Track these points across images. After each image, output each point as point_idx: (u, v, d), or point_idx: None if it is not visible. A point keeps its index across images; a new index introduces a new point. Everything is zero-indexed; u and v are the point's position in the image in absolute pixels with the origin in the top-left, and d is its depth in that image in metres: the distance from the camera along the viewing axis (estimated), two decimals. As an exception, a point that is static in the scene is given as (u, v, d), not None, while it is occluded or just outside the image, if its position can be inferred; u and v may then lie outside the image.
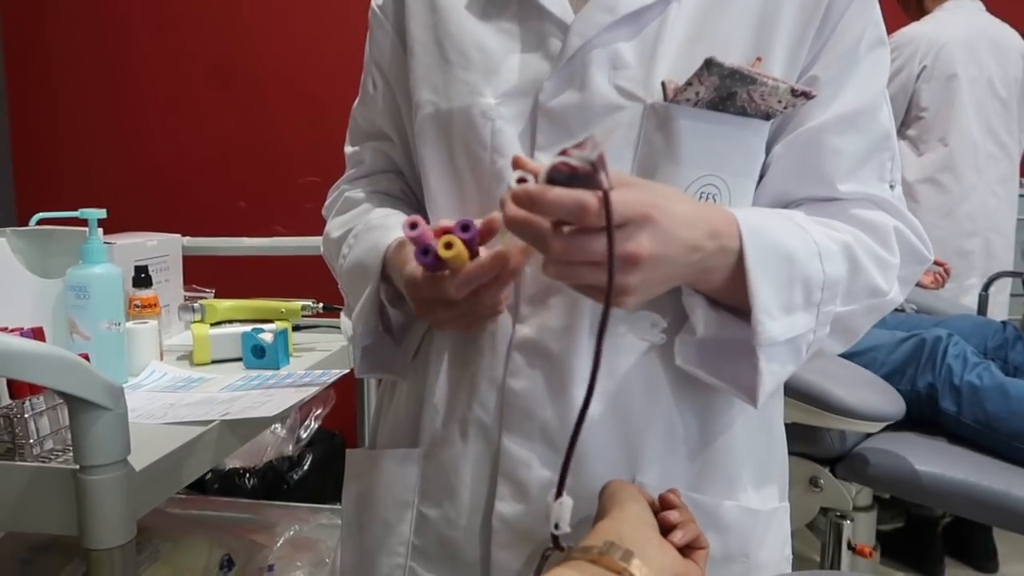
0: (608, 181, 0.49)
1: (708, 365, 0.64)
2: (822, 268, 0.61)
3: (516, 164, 0.55)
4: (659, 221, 0.52)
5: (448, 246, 0.56)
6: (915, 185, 2.42)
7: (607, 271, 0.50)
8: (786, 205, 0.68)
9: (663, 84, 0.62)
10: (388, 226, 0.74)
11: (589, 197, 0.49)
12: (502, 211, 0.53)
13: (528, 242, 0.53)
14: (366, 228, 0.76)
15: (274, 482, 2.02)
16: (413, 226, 0.57)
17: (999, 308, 2.39)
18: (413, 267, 0.62)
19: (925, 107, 2.41)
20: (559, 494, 0.53)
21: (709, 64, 0.57)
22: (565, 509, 0.52)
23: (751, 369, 0.60)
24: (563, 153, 0.50)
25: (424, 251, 0.58)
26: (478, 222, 0.58)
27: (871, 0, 0.68)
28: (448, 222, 0.59)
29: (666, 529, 0.55)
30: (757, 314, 0.58)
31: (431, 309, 0.64)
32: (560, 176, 0.50)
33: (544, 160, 0.65)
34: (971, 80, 2.37)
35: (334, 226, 0.82)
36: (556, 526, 0.53)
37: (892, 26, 0.71)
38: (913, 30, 2.45)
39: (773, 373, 0.61)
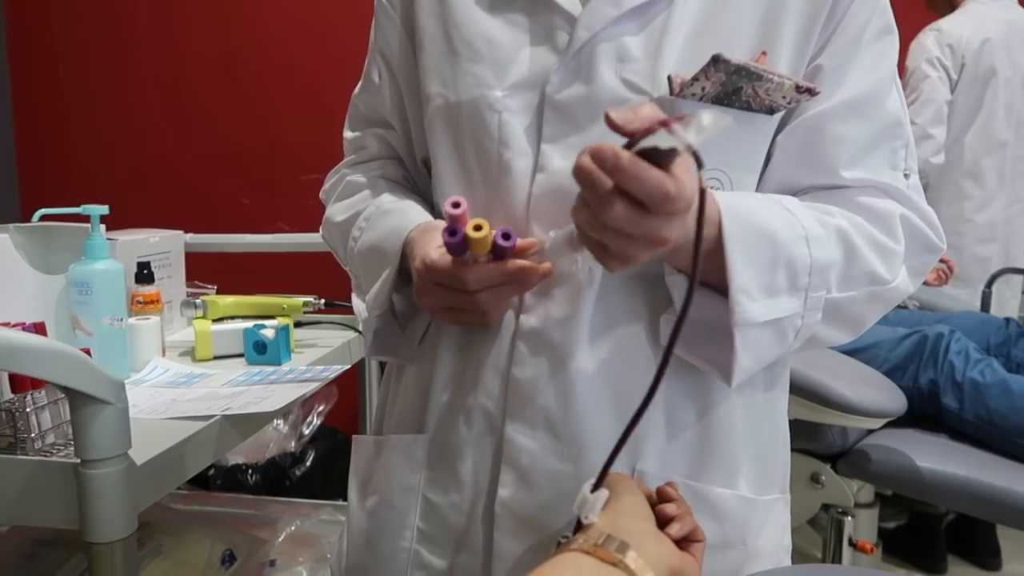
0: (703, 179, 0.47)
1: (688, 344, 0.64)
2: (809, 252, 0.61)
3: (607, 120, 0.50)
4: (689, 214, 0.53)
5: (477, 228, 0.59)
6: (936, 189, 2.35)
7: (642, 247, 0.51)
8: (792, 193, 0.68)
9: (669, 78, 0.62)
10: (404, 211, 0.74)
11: (673, 188, 0.48)
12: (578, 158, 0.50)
13: (585, 192, 0.51)
14: (379, 211, 0.76)
15: (276, 478, 2.03)
16: (456, 205, 0.60)
17: (1012, 309, 2.35)
18: (437, 251, 0.64)
19: (957, 108, 2.31)
20: (597, 486, 0.53)
21: (716, 60, 0.57)
22: (599, 501, 0.53)
23: (729, 350, 0.60)
24: (664, 124, 0.47)
25: (452, 231, 0.60)
26: (520, 241, 0.61)
27: None
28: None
29: (663, 522, 0.55)
30: (735, 294, 0.58)
31: (434, 294, 0.65)
32: (650, 152, 0.48)
33: (553, 153, 0.65)
34: (1006, 80, 2.29)
35: (337, 210, 0.83)
36: (586, 516, 0.53)
37: (902, 20, 0.70)
38: (952, 24, 2.34)
39: (751, 354, 0.61)
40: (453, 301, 0.65)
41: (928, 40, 2.34)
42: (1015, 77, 2.31)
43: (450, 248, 0.62)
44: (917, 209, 0.68)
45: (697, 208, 0.47)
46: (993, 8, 2.35)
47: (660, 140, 0.46)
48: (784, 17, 0.64)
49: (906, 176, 0.69)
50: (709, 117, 0.45)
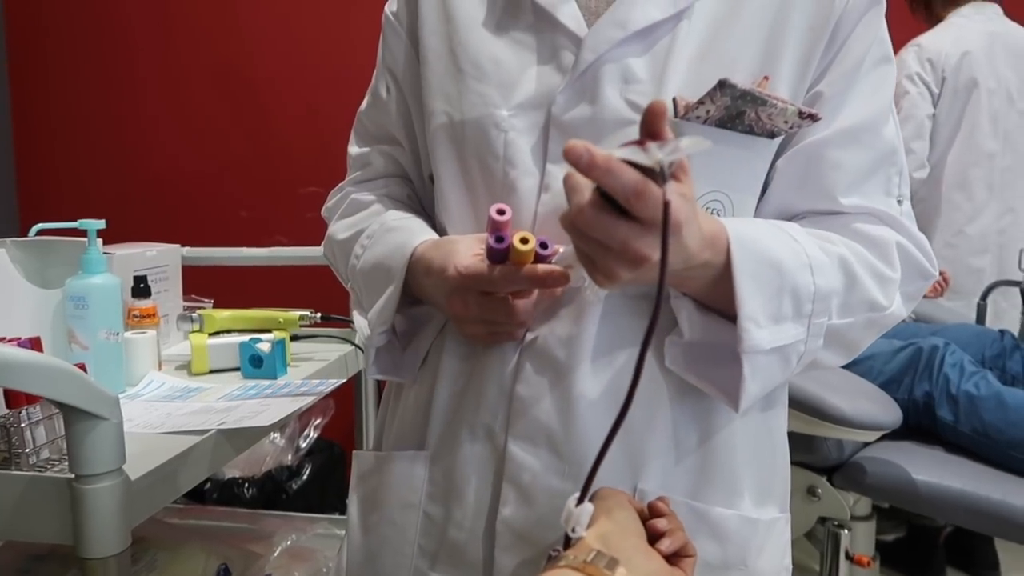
0: (668, 192, 0.47)
1: (694, 368, 0.65)
2: (812, 280, 0.61)
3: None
4: (680, 234, 0.53)
5: (524, 241, 0.60)
6: (927, 202, 2.36)
7: (621, 262, 0.51)
8: (789, 218, 0.69)
9: (674, 100, 0.63)
10: (409, 228, 0.74)
11: (649, 188, 0.48)
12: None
13: (567, 196, 0.52)
14: (384, 229, 0.76)
15: (273, 492, 2.02)
16: (501, 212, 0.61)
17: (1012, 322, 2.34)
18: (473, 258, 0.64)
19: (941, 121, 2.33)
20: (582, 500, 0.53)
21: (722, 85, 0.58)
22: (584, 514, 0.53)
23: (736, 375, 0.61)
24: (640, 143, 0.48)
25: (499, 238, 0.61)
26: (561, 248, 0.62)
27: (878, 17, 0.68)
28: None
29: (654, 537, 0.55)
30: (743, 321, 0.59)
31: (468, 303, 0.65)
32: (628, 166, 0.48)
33: (559, 173, 0.65)
34: (990, 92, 2.31)
35: (340, 228, 0.83)
36: (573, 529, 0.53)
37: (896, 36, 0.71)
38: (932, 39, 2.37)
39: (757, 380, 0.61)
40: (488, 311, 0.65)
41: (909, 56, 2.38)
42: (999, 88, 2.33)
43: (492, 254, 0.63)
44: (911, 236, 0.69)
45: (661, 221, 0.48)
46: (976, 21, 2.38)
47: (633, 155, 0.47)
48: (786, 43, 0.65)
49: (899, 203, 0.70)
50: (687, 141, 0.46)
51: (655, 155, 0.46)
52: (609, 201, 0.50)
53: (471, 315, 0.66)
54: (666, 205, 0.47)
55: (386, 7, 0.80)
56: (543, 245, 0.62)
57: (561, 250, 0.62)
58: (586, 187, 0.50)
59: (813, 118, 0.64)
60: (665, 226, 0.47)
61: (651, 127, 0.50)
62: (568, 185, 0.51)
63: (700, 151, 0.45)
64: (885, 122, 0.69)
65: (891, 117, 0.70)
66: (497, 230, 0.62)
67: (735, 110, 0.61)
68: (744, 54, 0.65)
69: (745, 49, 0.65)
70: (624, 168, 0.47)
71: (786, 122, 0.63)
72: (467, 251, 0.66)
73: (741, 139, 0.63)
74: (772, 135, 0.65)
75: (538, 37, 0.68)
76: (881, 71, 0.69)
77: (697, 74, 0.64)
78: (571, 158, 0.47)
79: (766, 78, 0.65)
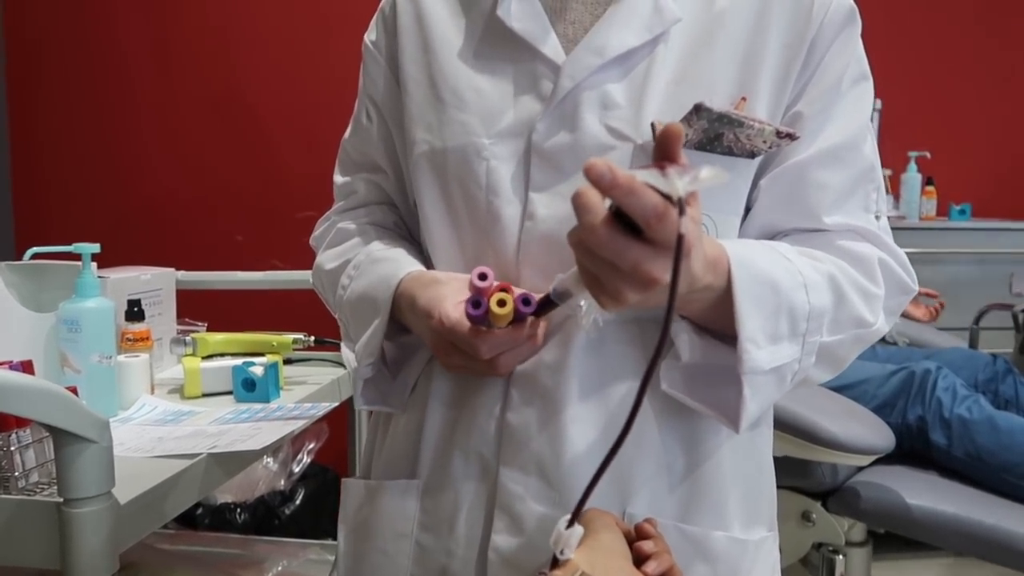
0: (683, 223, 0.46)
1: (693, 390, 0.65)
2: (807, 299, 0.62)
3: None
4: (688, 259, 0.52)
5: (501, 303, 0.59)
6: None
7: (631, 284, 0.50)
8: (773, 236, 0.70)
9: (652, 125, 0.63)
10: (394, 259, 0.74)
11: (670, 212, 0.46)
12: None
13: (577, 215, 0.50)
14: (369, 260, 0.76)
15: (265, 517, 2.01)
16: (483, 277, 0.60)
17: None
18: (456, 309, 0.64)
19: None
20: (572, 522, 0.53)
21: (698, 109, 0.59)
22: (574, 537, 0.53)
23: (735, 396, 0.61)
24: (660, 167, 0.47)
25: (476, 303, 0.61)
26: (539, 296, 0.61)
27: (854, 36, 0.70)
28: (502, 285, 0.62)
29: (640, 559, 0.55)
30: (743, 343, 0.59)
31: (451, 353, 0.66)
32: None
33: (541, 201, 0.66)
34: None
35: (327, 258, 0.83)
36: (561, 551, 0.53)
37: (874, 59, 0.73)
38: None
39: (757, 401, 0.62)
40: (469, 359, 0.65)
41: None
42: None
43: (471, 318, 0.62)
44: (891, 251, 0.70)
45: (674, 252, 0.47)
46: None
47: (654, 180, 0.46)
48: (762, 63, 0.66)
49: (877, 218, 0.71)
50: (707, 172, 0.45)
51: (675, 184, 0.45)
52: (621, 222, 0.49)
53: (453, 362, 0.67)
54: (680, 238, 0.46)
55: (365, 36, 0.81)
56: (525, 301, 0.60)
57: (559, 276, 0.61)
58: (598, 207, 0.49)
59: (791, 137, 0.64)
60: (677, 257, 0.46)
61: (667, 150, 0.50)
62: (579, 204, 0.49)
63: (718, 184, 0.44)
64: (864, 140, 0.70)
65: (869, 134, 0.71)
66: (477, 294, 0.61)
67: (713, 133, 0.62)
68: (721, 76, 0.66)
69: (722, 71, 0.66)
70: (646, 189, 0.46)
71: (764, 142, 0.64)
72: (453, 297, 0.65)
73: (722, 161, 0.64)
74: (752, 155, 0.66)
75: (517, 66, 0.69)
76: (859, 89, 0.70)
77: (675, 97, 0.65)
78: (592, 176, 0.46)
79: (743, 99, 0.66)
